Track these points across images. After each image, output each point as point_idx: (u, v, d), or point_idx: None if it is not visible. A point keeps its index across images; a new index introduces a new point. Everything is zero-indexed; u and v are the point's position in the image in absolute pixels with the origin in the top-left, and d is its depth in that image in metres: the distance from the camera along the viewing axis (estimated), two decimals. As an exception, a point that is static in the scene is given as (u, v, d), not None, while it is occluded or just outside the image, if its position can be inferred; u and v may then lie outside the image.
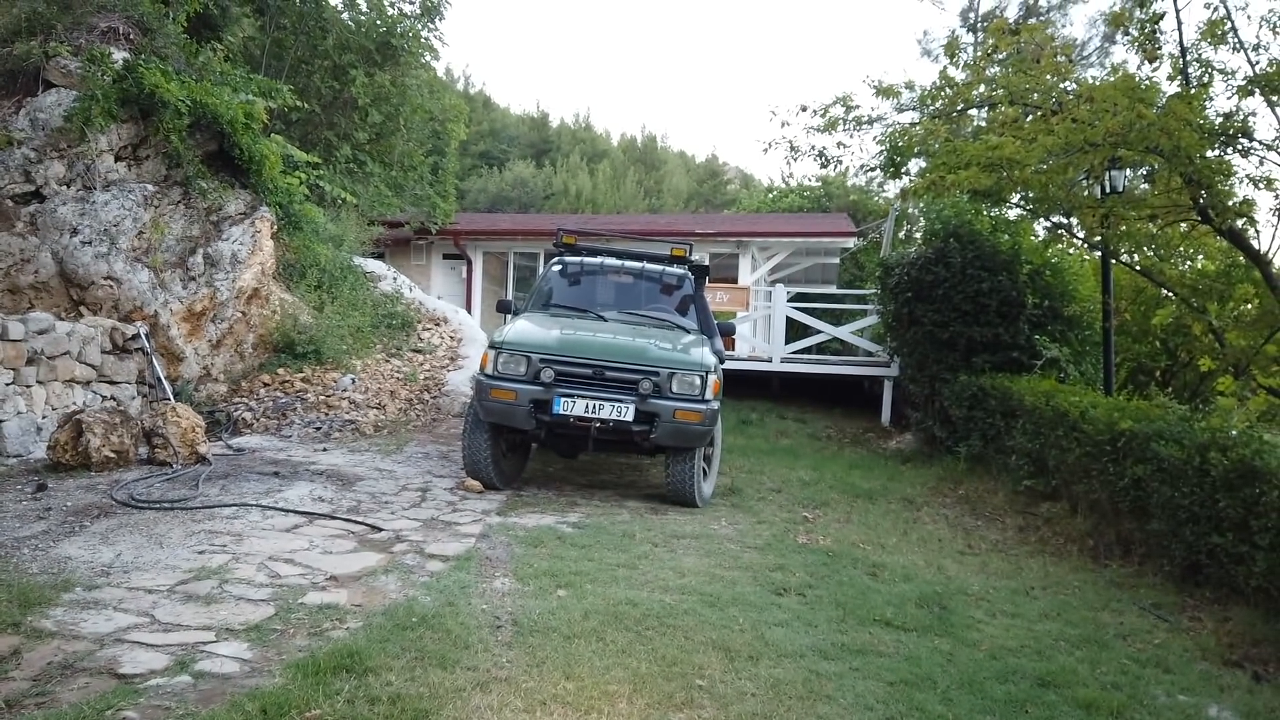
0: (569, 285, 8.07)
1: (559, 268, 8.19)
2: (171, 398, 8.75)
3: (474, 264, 20.17)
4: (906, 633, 4.42)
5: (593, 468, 8.37)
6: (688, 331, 7.53)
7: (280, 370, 10.12)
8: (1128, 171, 8.61)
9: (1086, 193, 8.30)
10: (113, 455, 6.62)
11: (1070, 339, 9.34)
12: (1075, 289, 9.50)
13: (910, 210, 30.12)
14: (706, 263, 9.02)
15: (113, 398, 8.23)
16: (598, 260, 8.21)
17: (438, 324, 13.03)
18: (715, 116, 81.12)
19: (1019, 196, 9.14)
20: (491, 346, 6.64)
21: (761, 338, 14.97)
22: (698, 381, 6.53)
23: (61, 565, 4.30)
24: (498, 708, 3.11)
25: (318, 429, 9.12)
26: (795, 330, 13.39)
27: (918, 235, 32.91)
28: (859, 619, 4.53)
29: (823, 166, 9.28)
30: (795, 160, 12.90)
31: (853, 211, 27.05)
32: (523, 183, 40.73)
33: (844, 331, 12.66)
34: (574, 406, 6.35)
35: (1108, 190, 8.04)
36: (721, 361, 7.11)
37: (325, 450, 8.22)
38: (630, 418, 6.36)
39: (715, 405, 6.62)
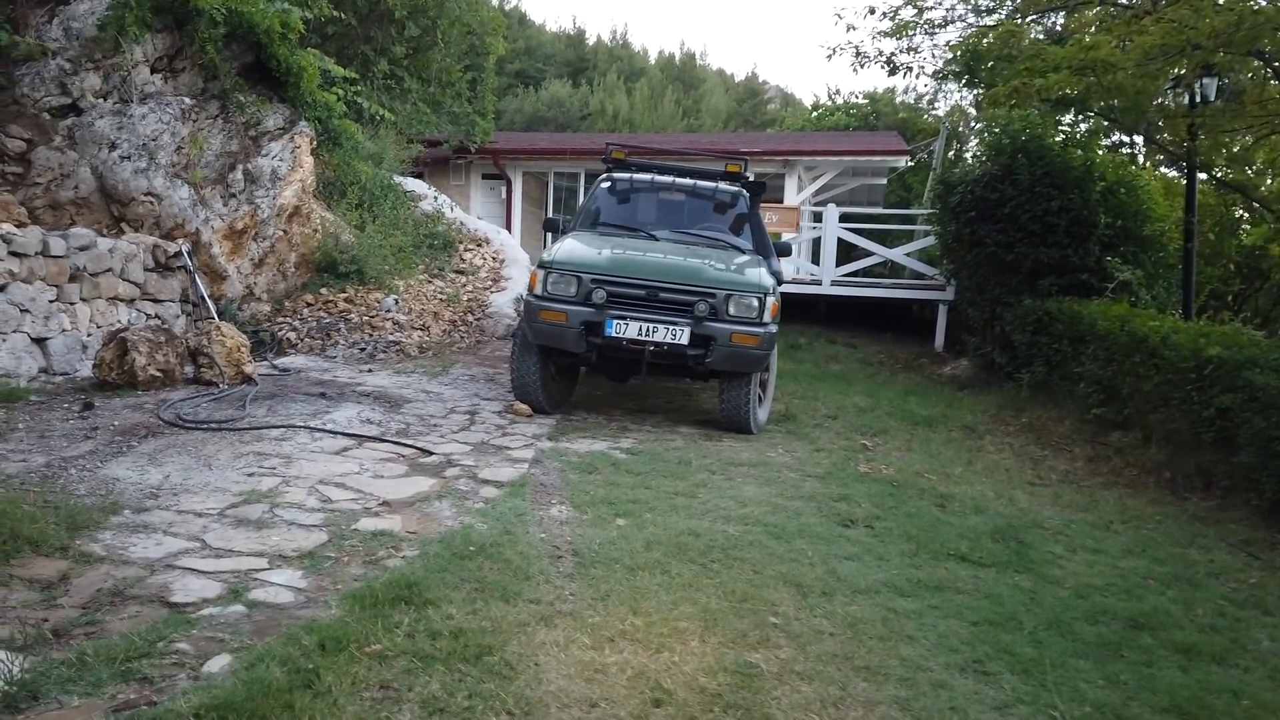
0: (618, 203, 7.75)
1: (607, 185, 7.85)
2: (215, 317, 8.64)
3: (513, 184, 19.82)
4: (984, 568, 4.20)
5: (641, 392, 8.17)
6: (742, 252, 7.21)
7: (323, 290, 9.97)
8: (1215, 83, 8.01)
9: (1172, 104, 7.73)
10: (158, 374, 6.52)
11: (1144, 261, 8.87)
12: (1149, 208, 8.99)
13: (960, 129, 29.13)
14: (761, 180, 8.61)
15: (157, 316, 8.13)
16: (648, 177, 7.86)
17: (479, 245, 12.79)
18: (756, 32, 78.62)
19: (1102, 106, 8.55)
20: (540, 266, 6.38)
21: (807, 259, 14.55)
22: (755, 304, 6.24)
23: (109, 486, 4.19)
24: (564, 644, 2.94)
25: (362, 350, 8.99)
26: (843, 252, 12.96)
27: (968, 155, 31.86)
28: (932, 553, 4.32)
29: (890, 74, 8.76)
30: (862, 68, 12.27)
31: (901, 130, 26.15)
32: (559, 103, 39.88)
33: (898, 254, 12.21)
34: (627, 329, 6.10)
35: (1198, 100, 7.49)
36: (780, 283, 6.79)
37: (370, 371, 8.09)
38: (685, 341, 6.10)
39: (773, 329, 6.34)
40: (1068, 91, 6.98)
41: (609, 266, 6.28)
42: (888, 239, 14.76)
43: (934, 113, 36.18)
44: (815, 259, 14.15)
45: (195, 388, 6.68)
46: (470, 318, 10.40)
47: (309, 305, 9.79)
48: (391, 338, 9.33)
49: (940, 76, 9.31)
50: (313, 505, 4.18)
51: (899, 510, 4.99)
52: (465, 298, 10.82)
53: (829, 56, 12.37)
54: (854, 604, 3.58)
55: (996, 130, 9.34)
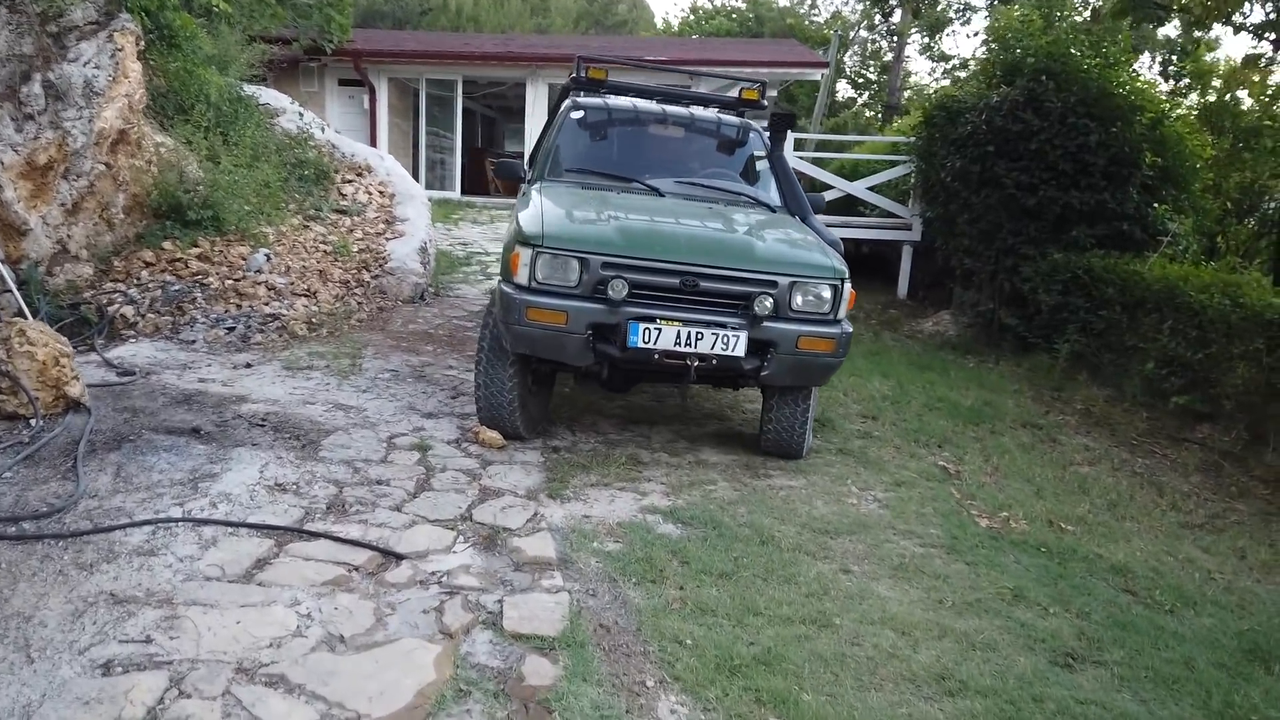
0: (593, 140, 5.75)
1: (579, 115, 5.78)
2: (14, 288, 6.19)
3: (378, 93, 17.11)
4: (1319, 751, 2.76)
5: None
6: (771, 209, 5.41)
7: (167, 244, 7.50)
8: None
9: None
10: (-73, 414, 4.23)
11: (1184, 206, 7.64)
12: (1192, 143, 7.71)
13: (845, 39, 27.56)
14: (790, 112, 6.77)
15: (-76, 298, 5.65)
16: (629, 104, 5.87)
17: (360, 174, 10.40)
18: (611, -74, 74.28)
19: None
20: (524, 243, 4.34)
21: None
22: (828, 294, 4.48)
23: None
24: None
25: (230, 329, 6.74)
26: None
27: (845, 65, 30.52)
28: (1232, 724, 2.83)
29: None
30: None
31: (790, 38, 24.66)
32: (395, -5, 36.20)
33: (859, 187, 10.61)
34: (660, 337, 4.23)
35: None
36: (842, 255, 5.00)
37: (250, 366, 5.94)
38: (741, 351, 4.31)
39: (849, 329, 4.59)
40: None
41: (626, 244, 4.33)
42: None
43: (814, 17, 34.69)
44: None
45: (-9, 429, 4.41)
46: (366, 276, 8.21)
47: (148, 266, 7.33)
48: (268, 310, 7.09)
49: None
50: (241, 756, 2.26)
51: (1099, 613, 3.49)
52: (355, 248, 8.57)
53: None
54: None
55: (1011, 47, 7.78)
